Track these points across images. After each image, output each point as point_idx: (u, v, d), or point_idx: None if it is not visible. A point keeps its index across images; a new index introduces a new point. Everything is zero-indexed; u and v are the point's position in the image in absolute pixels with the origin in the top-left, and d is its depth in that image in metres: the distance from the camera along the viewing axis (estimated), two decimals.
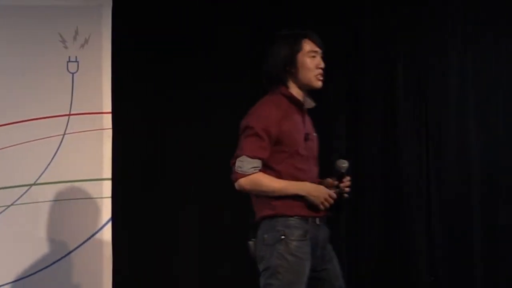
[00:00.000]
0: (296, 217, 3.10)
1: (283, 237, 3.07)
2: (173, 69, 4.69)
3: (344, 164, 3.15)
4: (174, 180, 4.67)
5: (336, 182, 3.15)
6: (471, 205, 4.77)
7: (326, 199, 3.09)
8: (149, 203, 4.62)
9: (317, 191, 3.11)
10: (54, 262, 4.53)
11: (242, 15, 4.74)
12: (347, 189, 3.14)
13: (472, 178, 4.77)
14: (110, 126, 4.60)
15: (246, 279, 4.56)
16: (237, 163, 3.12)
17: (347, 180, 3.15)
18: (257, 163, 3.09)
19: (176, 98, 4.70)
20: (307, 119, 3.24)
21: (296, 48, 3.18)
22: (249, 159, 3.09)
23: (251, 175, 3.09)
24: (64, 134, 4.61)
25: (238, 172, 3.11)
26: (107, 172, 4.60)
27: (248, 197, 4.53)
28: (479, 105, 4.81)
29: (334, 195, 3.11)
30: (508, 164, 4.79)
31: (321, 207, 3.10)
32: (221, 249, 4.63)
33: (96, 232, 4.59)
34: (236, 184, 3.14)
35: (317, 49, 3.19)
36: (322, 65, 3.18)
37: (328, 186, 3.16)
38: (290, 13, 4.70)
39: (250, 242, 3.17)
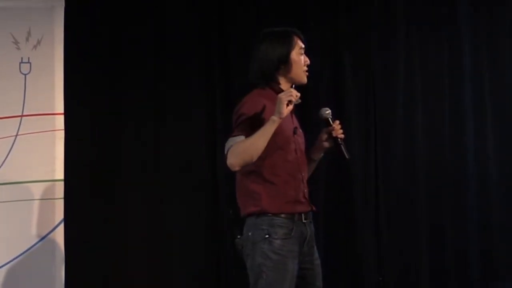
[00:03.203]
0: (282, 215, 3.08)
1: (267, 236, 3.06)
2: (125, 71, 4.68)
3: (326, 111, 3.16)
4: (127, 181, 4.66)
5: (327, 129, 3.14)
6: (417, 207, 4.79)
7: (288, 97, 2.95)
8: (102, 204, 4.61)
9: (278, 106, 2.95)
10: (6, 263, 4.55)
11: (192, 18, 4.73)
12: (339, 132, 3.13)
13: (419, 181, 4.79)
14: (63, 127, 4.60)
15: (196, 278, 4.63)
16: (226, 147, 3.05)
17: (336, 124, 3.14)
18: (240, 138, 3.02)
19: (128, 99, 4.69)
20: (294, 114, 3.23)
21: (290, 46, 3.18)
22: (233, 138, 3.04)
23: (231, 148, 3.01)
24: (17, 135, 4.61)
25: (226, 153, 3.03)
26: (60, 173, 4.61)
27: (198, 196, 4.64)
28: (426, 107, 4.83)
29: (291, 92, 2.97)
30: (453, 165, 4.82)
31: (289, 104, 2.95)
32: (173, 251, 4.65)
33: (49, 233, 4.60)
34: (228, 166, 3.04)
35: (303, 46, 3.21)
36: (308, 61, 3.21)
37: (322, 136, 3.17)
38: (239, 17, 4.74)
39: (237, 240, 3.16)
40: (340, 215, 4.68)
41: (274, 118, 2.97)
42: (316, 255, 3.20)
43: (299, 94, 3.00)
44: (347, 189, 4.71)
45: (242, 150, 2.98)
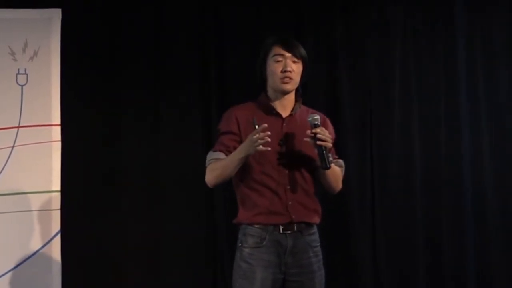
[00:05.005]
0: (255, 225, 3.15)
1: (240, 244, 3.18)
2: (122, 82, 4.70)
3: (315, 116, 3.14)
4: (124, 192, 4.66)
5: (309, 133, 3.10)
6: (414, 215, 4.79)
7: (253, 141, 3.02)
8: (98, 216, 4.61)
9: (247, 143, 3.07)
10: (2, 274, 4.52)
11: (189, 23, 4.76)
12: (319, 136, 3.05)
13: (415, 188, 4.80)
14: (59, 138, 4.60)
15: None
16: (206, 160, 3.23)
17: (315, 130, 3.08)
18: (217, 155, 3.18)
19: (126, 110, 4.70)
20: (293, 124, 3.21)
21: (264, 55, 3.23)
22: (211, 153, 3.21)
23: (208, 166, 3.19)
24: (13, 146, 4.61)
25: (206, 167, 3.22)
26: (56, 184, 4.60)
27: (195, 207, 4.65)
28: (422, 113, 4.85)
29: (256, 135, 3.01)
30: (449, 173, 4.83)
31: (259, 148, 3.02)
32: (171, 261, 4.65)
33: (45, 245, 4.58)
34: None
35: (283, 52, 3.19)
36: (288, 68, 3.16)
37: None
38: (236, 19, 4.77)
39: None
40: (335, 224, 4.67)
41: (242, 153, 3.09)
42: (311, 268, 3.17)
43: (265, 135, 3.01)
44: (342, 194, 4.69)
45: (216, 172, 3.17)
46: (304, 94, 3.33)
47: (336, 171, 3.27)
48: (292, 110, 3.25)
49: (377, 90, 4.83)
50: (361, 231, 4.73)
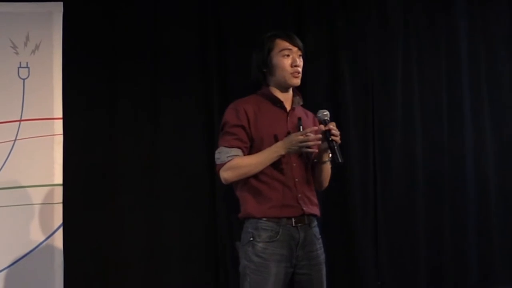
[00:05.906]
0: (266, 218, 3.11)
1: (251, 238, 3.12)
2: (124, 75, 4.70)
3: (324, 112, 3.15)
4: (125, 186, 4.67)
5: (323, 128, 3.11)
6: (416, 212, 4.80)
7: (301, 141, 3.05)
8: (100, 209, 4.62)
9: (290, 142, 3.07)
10: (4, 268, 4.53)
11: (189, 18, 4.77)
12: (333, 131, 3.08)
13: (417, 185, 4.80)
14: (61, 132, 4.61)
15: (195, 282, 4.63)
16: (216, 155, 3.16)
17: (328, 126, 3.10)
18: (235, 151, 3.12)
19: (128, 104, 4.70)
20: (294, 118, 3.21)
21: (267, 50, 3.21)
22: (226, 149, 3.14)
23: (227, 162, 3.11)
24: (15, 139, 4.61)
25: (217, 163, 3.15)
26: (58, 177, 4.60)
27: (196, 198, 4.65)
28: (424, 108, 4.85)
29: (303, 136, 3.05)
30: (452, 169, 4.82)
31: (306, 150, 3.07)
32: (172, 255, 4.67)
33: (47, 238, 4.59)
34: (220, 177, 3.16)
35: (290, 47, 3.19)
36: (298, 62, 3.17)
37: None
38: (236, 16, 4.78)
39: (237, 243, 3.20)
40: (338, 220, 4.68)
41: (280, 151, 3.08)
42: (318, 260, 3.18)
43: (317, 138, 3.04)
44: (345, 194, 4.71)
45: (243, 169, 3.12)
46: (305, 90, 3.31)
47: (329, 169, 3.29)
48: (292, 104, 3.26)
49: (379, 85, 4.84)
50: (364, 228, 4.74)
